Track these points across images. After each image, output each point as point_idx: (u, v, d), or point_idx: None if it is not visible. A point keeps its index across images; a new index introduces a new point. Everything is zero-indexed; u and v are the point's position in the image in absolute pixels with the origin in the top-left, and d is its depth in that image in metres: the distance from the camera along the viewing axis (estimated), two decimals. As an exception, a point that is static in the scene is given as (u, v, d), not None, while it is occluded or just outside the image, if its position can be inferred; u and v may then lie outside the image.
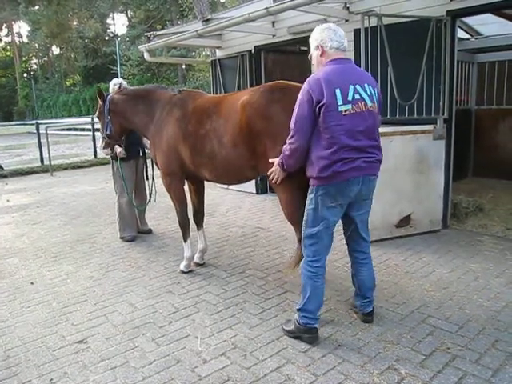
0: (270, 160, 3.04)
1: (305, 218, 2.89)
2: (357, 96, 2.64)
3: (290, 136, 2.76)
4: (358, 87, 2.66)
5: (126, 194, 5.15)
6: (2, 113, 44.19)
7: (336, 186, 2.72)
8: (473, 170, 7.85)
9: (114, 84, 4.98)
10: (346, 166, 2.66)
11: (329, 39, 2.71)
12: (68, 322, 3.34)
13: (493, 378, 2.45)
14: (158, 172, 5.31)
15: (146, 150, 5.36)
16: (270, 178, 3.06)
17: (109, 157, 5.18)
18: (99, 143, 4.62)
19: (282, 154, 2.87)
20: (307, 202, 2.87)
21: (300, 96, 2.70)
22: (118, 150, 4.87)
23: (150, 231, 5.58)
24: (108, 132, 4.30)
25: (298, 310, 2.91)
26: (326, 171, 2.67)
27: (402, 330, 2.99)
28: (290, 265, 3.50)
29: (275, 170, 2.98)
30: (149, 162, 5.36)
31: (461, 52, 6.20)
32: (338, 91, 2.59)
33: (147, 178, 5.34)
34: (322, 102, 2.58)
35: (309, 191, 2.85)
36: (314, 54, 2.81)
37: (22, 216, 6.80)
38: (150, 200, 5.33)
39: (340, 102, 2.59)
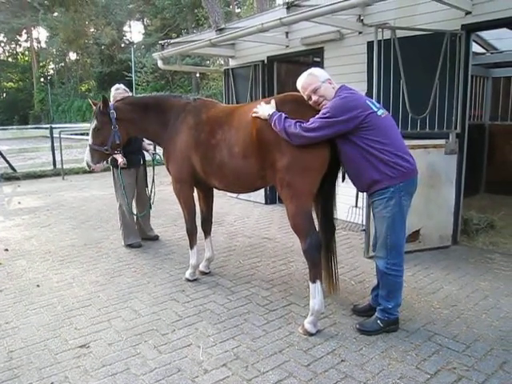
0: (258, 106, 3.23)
1: (388, 224, 2.97)
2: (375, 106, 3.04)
3: (313, 127, 2.90)
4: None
5: (126, 203, 5.17)
6: (18, 116, 44.76)
7: (413, 180, 2.99)
8: (485, 186, 7.74)
9: (116, 89, 5.00)
10: (412, 159, 2.98)
11: (328, 75, 3.13)
12: (71, 325, 3.34)
13: (500, 401, 2.38)
14: (160, 179, 5.33)
15: (147, 157, 5.40)
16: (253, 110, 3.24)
17: (108, 164, 4.85)
18: (88, 157, 4.10)
19: (286, 124, 2.97)
20: (384, 210, 2.97)
21: (344, 114, 2.86)
22: (120, 159, 4.90)
23: (156, 238, 5.58)
24: (117, 142, 4.04)
25: (386, 308, 3.08)
26: (406, 162, 2.92)
27: (407, 347, 2.93)
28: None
29: (263, 113, 3.15)
30: (149, 169, 5.37)
31: (475, 66, 6.15)
32: (368, 102, 2.99)
33: (146, 186, 5.36)
34: (368, 112, 2.89)
35: (384, 199, 2.96)
36: (326, 86, 3.05)
37: (32, 218, 6.86)
38: (150, 206, 5.38)
39: (375, 109, 2.94)
